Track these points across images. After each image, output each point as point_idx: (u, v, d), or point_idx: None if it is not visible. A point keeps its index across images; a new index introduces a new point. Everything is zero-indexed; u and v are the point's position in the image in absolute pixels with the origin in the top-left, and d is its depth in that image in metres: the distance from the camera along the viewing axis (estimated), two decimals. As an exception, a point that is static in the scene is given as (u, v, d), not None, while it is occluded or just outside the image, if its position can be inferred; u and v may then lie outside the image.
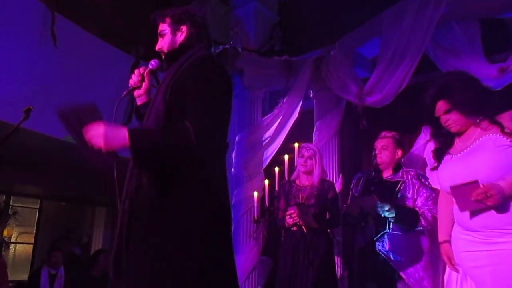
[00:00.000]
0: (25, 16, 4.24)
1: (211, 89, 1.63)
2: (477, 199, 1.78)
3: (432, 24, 3.56)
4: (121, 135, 1.51)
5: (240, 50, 4.70)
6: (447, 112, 1.96)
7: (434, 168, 2.09)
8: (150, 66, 1.90)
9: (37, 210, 8.22)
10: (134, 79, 1.89)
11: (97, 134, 1.50)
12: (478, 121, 1.95)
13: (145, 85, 1.90)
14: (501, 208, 1.80)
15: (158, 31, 1.87)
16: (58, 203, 8.54)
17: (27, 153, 5.24)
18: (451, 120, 1.97)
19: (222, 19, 5.73)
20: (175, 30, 1.84)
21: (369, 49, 4.34)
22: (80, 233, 8.47)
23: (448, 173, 1.99)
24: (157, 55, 1.92)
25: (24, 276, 6.88)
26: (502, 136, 1.86)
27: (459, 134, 2.02)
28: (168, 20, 1.84)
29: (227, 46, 4.67)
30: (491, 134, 1.89)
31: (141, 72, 1.90)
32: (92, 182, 6.78)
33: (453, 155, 2.01)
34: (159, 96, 1.69)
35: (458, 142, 2.03)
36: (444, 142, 2.06)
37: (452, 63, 3.54)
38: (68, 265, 5.40)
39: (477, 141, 1.92)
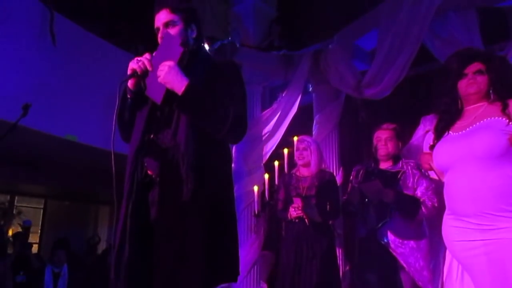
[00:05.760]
0: (24, 14, 4.25)
1: (245, 93, 1.82)
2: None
3: (429, 14, 3.54)
4: (182, 77, 1.64)
5: (238, 46, 4.69)
6: (478, 72, 1.99)
7: (432, 147, 2.07)
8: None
9: (42, 209, 8.28)
10: (140, 64, 1.71)
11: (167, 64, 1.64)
12: (491, 99, 1.96)
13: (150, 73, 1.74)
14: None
15: (167, 20, 1.76)
16: (62, 202, 8.60)
17: (29, 152, 5.27)
18: (476, 82, 1.98)
19: (221, 16, 5.73)
20: (187, 25, 1.79)
21: (367, 42, 4.32)
22: (88, 233, 8.50)
23: (446, 149, 1.98)
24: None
25: (29, 275, 6.92)
26: (506, 120, 1.85)
27: (461, 113, 2.03)
28: (179, 12, 1.78)
29: (225, 42, 4.67)
30: (496, 117, 1.89)
31: (149, 58, 1.73)
32: (95, 181, 6.82)
33: (453, 134, 2.01)
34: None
35: (459, 123, 2.03)
36: (449, 119, 2.06)
37: (450, 53, 3.52)
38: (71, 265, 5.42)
39: (481, 121, 1.92)
